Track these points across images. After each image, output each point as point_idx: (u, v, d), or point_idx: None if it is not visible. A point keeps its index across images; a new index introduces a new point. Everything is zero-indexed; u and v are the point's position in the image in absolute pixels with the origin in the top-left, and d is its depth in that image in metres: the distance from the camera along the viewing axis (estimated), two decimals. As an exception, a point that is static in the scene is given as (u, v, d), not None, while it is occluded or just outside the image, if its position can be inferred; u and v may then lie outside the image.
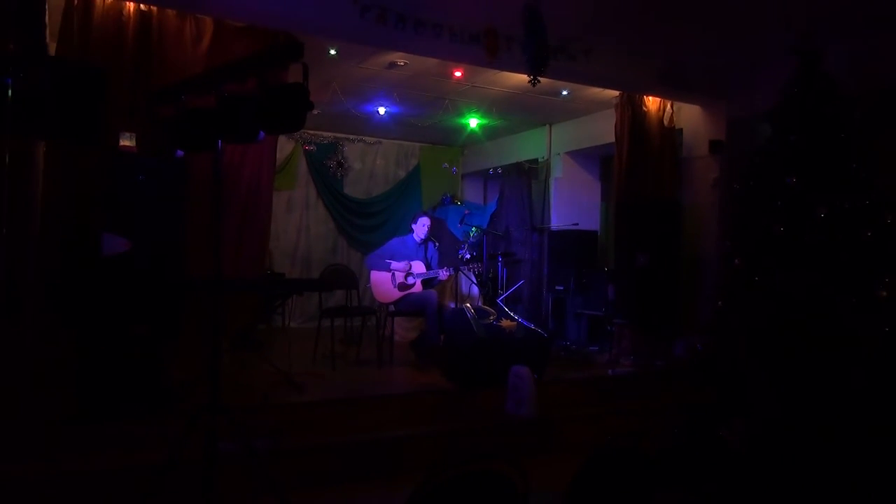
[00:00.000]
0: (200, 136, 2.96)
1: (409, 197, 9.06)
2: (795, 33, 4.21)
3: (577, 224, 7.40)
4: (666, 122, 6.49)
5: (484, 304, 6.53)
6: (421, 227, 5.90)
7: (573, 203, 7.97)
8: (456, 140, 8.76)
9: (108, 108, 3.70)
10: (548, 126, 8.10)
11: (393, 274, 5.74)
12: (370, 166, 8.93)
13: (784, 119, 4.13)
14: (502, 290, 6.86)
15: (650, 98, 6.43)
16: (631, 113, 6.36)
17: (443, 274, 5.73)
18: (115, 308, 3.83)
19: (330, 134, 8.51)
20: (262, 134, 2.95)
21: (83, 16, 4.17)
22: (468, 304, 5.32)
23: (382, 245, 6.07)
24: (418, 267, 5.79)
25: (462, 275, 6.36)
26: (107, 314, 3.82)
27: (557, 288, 7.07)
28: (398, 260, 5.82)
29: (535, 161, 8.27)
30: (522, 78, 5.09)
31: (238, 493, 3.25)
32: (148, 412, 3.75)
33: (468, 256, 6.52)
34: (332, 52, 5.35)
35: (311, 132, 8.28)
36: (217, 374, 2.80)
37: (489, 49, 4.94)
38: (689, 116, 6.56)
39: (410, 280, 5.73)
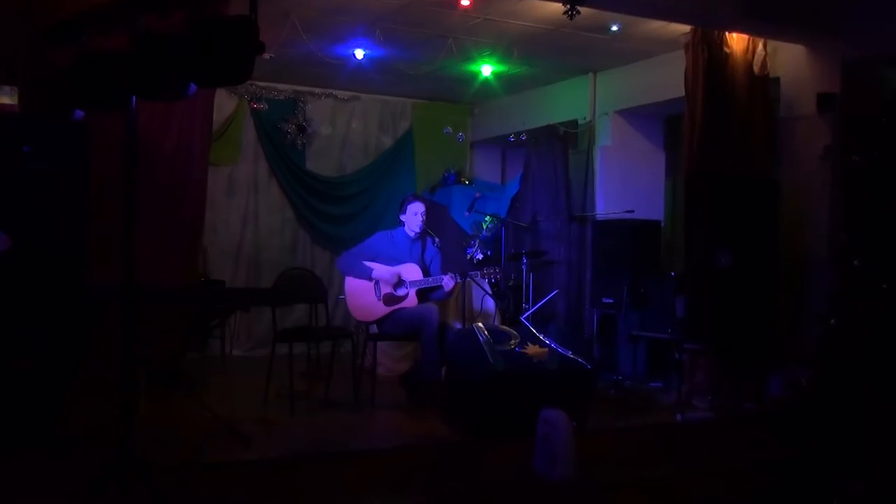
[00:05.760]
0: (108, 89, 2.98)
1: (397, 174, 9.10)
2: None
3: (632, 211, 7.41)
4: (757, 70, 6.49)
5: (502, 323, 6.54)
6: (413, 216, 5.90)
7: (627, 182, 7.99)
8: (463, 95, 8.77)
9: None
10: (591, 75, 8.12)
11: (376, 283, 5.76)
12: (343, 131, 8.96)
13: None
14: (528, 303, 6.87)
15: (734, 35, 6.43)
16: (707, 56, 6.35)
17: (447, 282, 5.73)
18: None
19: (287, 87, 8.54)
20: (192, 87, 2.98)
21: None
22: (480, 324, 5.34)
23: (362, 241, 6.09)
24: (412, 272, 5.81)
25: (472, 283, 6.38)
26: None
27: (605, 301, 7.08)
28: (383, 262, 5.83)
29: (574, 124, 8.29)
30: (556, 7, 5.11)
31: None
32: (36, 471, 3.77)
33: (480, 257, 6.54)
34: (291, -29, 5.39)
35: (262, 84, 8.30)
36: (131, 419, 2.83)
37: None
38: (788, 61, 6.56)
39: (401, 291, 5.74)
